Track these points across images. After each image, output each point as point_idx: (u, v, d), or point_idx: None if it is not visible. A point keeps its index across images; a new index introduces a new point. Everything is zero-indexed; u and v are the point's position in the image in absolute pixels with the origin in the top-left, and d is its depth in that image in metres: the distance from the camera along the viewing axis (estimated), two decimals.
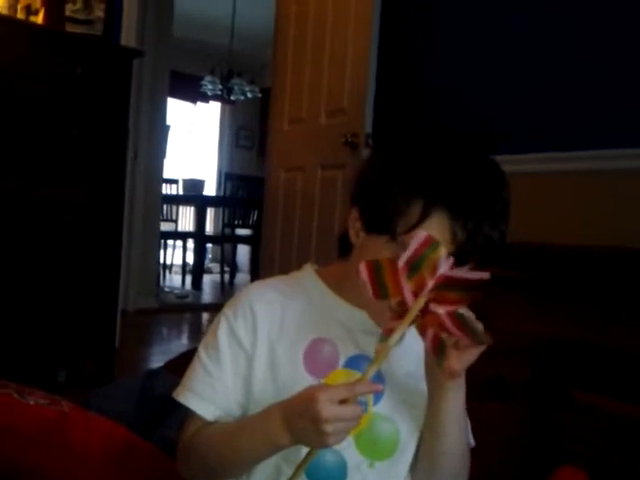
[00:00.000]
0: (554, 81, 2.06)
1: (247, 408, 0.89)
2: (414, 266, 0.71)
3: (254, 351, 0.88)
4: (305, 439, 0.76)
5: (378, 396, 0.88)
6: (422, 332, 0.75)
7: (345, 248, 0.93)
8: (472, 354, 0.76)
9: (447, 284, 0.70)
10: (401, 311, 0.73)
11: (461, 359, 0.76)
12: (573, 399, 1.44)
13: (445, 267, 0.70)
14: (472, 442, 0.95)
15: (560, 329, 1.52)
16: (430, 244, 0.71)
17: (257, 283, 0.99)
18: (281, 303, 0.91)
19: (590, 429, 1.40)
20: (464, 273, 0.70)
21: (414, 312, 0.73)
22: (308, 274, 0.96)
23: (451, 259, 0.71)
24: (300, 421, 0.74)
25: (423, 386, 0.88)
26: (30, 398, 1.20)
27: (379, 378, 0.87)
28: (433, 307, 0.72)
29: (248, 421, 0.86)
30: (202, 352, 0.91)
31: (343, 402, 0.72)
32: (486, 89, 2.27)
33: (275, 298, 0.92)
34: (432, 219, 0.79)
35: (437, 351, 0.75)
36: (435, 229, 0.78)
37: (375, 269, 0.73)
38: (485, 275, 0.69)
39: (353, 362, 0.88)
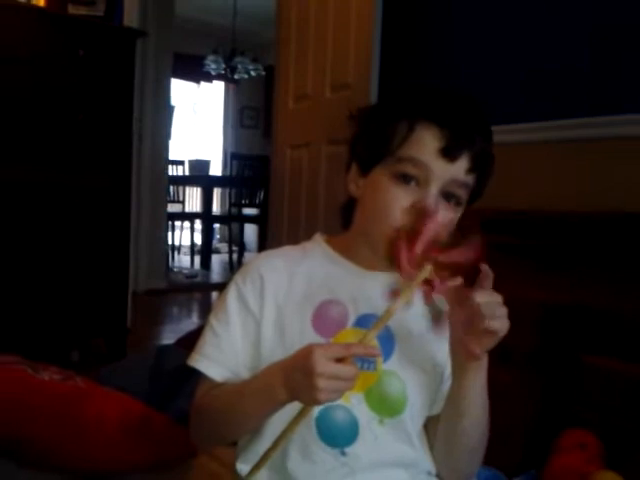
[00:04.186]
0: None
1: (257, 371, 0.90)
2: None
3: (262, 315, 0.90)
4: (299, 394, 0.77)
5: (388, 353, 0.89)
6: (426, 299, 0.81)
7: (348, 217, 0.96)
8: (492, 339, 0.79)
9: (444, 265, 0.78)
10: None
11: (481, 343, 0.79)
12: (581, 363, 1.45)
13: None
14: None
15: (565, 294, 1.53)
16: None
17: (267, 252, 1.02)
18: (288, 270, 0.93)
19: (599, 392, 1.42)
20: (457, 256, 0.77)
21: (420, 279, 0.78)
22: (317, 243, 0.99)
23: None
24: (296, 375, 0.76)
25: (432, 350, 0.90)
26: (44, 374, 1.22)
27: (389, 337, 0.89)
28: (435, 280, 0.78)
29: (251, 379, 0.88)
30: (212, 318, 0.94)
31: (340, 361, 0.74)
32: (487, 59, 2.26)
33: (283, 265, 0.94)
34: (419, 129, 0.86)
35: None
36: (424, 135, 0.85)
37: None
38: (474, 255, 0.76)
39: (364, 321, 0.89)
